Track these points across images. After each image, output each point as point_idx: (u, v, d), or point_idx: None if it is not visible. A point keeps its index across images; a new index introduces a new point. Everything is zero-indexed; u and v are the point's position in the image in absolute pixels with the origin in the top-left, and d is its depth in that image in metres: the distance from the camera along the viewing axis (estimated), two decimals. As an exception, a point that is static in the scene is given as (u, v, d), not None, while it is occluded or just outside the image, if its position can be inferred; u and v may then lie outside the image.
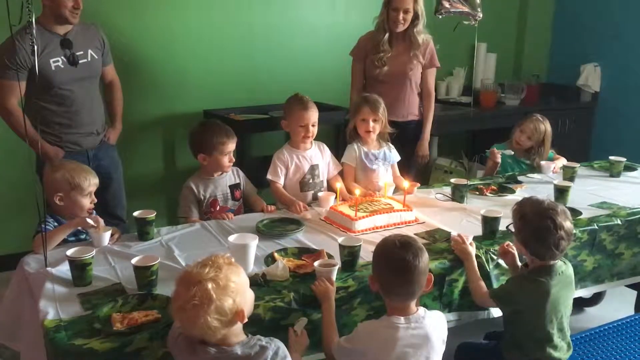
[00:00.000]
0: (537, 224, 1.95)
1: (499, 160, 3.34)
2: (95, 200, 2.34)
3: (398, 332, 1.71)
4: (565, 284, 2.03)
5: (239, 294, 1.48)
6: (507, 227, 2.22)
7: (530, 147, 3.38)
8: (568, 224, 1.96)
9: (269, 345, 1.53)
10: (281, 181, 2.80)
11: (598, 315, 3.07)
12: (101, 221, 2.20)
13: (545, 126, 3.37)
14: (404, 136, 3.36)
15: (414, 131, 3.56)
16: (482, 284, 2.10)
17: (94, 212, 2.33)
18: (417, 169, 3.66)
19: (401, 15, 3.28)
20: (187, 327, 1.49)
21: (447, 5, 3.93)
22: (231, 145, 2.66)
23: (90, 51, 2.89)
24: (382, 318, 1.78)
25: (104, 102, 3.12)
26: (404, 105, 3.49)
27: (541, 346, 2.01)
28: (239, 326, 1.52)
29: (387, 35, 3.35)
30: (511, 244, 2.15)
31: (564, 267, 2.03)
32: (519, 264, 2.14)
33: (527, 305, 1.99)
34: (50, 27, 2.75)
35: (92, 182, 2.31)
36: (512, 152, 3.37)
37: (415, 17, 3.33)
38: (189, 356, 1.52)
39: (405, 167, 3.31)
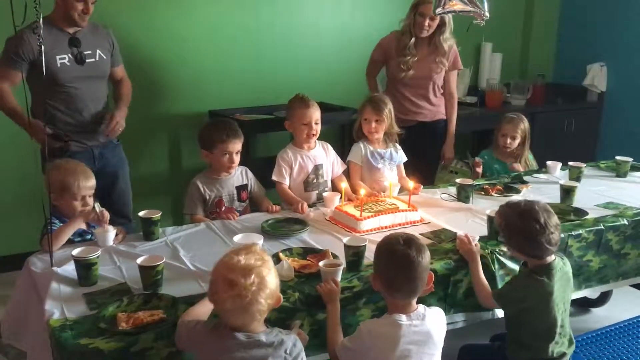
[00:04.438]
0: (523, 228, 1.96)
1: (480, 171, 3.31)
2: (90, 205, 2.27)
3: (400, 329, 1.72)
4: (564, 280, 2.04)
5: (277, 278, 1.60)
6: (497, 237, 2.23)
7: (517, 147, 3.34)
8: (553, 219, 1.97)
9: (289, 336, 1.61)
10: (286, 181, 2.79)
11: (604, 316, 3.06)
12: (106, 215, 2.20)
13: (524, 124, 3.35)
14: (434, 135, 3.37)
15: (443, 130, 3.60)
16: (487, 285, 2.09)
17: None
18: (434, 170, 3.70)
19: (427, 22, 3.28)
20: (236, 313, 1.51)
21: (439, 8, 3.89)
22: (232, 146, 2.63)
23: (98, 51, 2.89)
24: (383, 316, 1.79)
25: (113, 102, 3.11)
26: (430, 106, 3.52)
27: (545, 344, 2.01)
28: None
29: (413, 39, 3.35)
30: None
31: (561, 264, 2.04)
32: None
33: (530, 304, 1.99)
34: (60, 25, 2.77)
35: (82, 186, 2.26)
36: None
37: (442, 23, 3.33)
38: (215, 342, 1.54)
39: (432, 166, 3.30)
